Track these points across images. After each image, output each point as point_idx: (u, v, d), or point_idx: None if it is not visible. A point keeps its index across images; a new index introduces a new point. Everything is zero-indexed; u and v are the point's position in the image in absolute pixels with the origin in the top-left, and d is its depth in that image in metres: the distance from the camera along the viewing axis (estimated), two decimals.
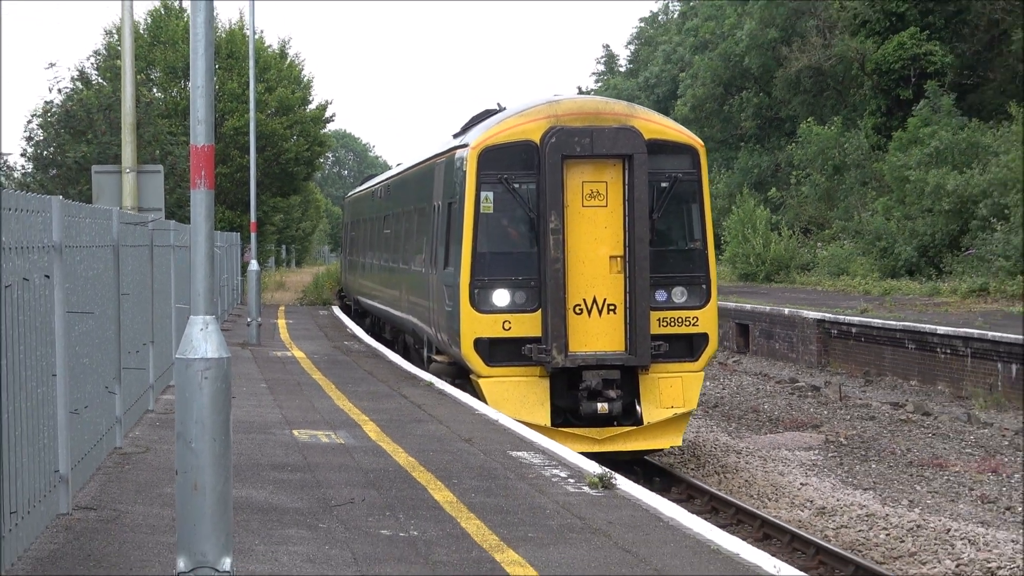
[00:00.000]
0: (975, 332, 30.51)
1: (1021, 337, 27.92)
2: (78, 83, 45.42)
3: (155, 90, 54.19)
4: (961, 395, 30.02)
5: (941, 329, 31.98)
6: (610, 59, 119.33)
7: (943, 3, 59.58)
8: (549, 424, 18.37)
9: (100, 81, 48.00)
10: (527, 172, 18.85)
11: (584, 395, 18.44)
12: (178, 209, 33.60)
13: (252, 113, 39.22)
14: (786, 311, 39.81)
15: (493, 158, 18.96)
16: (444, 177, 22.04)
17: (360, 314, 44.14)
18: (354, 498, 12.15)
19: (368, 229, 39.58)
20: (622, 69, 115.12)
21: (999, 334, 29.62)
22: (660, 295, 19.09)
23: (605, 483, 12.85)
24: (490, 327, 18.91)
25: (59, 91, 43.05)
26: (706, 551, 10.29)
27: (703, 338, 19.37)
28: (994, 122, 53.62)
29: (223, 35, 57.01)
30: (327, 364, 26.51)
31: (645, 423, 18.87)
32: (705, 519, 11.95)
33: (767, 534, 16.46)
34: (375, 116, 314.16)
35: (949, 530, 16.56)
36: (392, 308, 30.85)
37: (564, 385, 18.86)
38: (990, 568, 14.77)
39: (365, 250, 39.83)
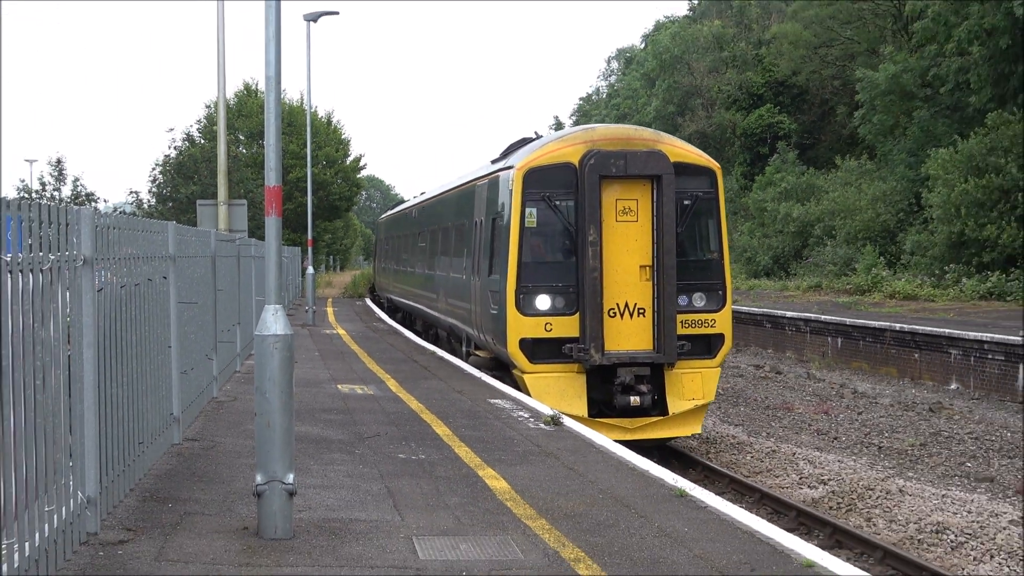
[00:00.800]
0: (812, 315, 30.72)
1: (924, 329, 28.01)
2: (187, 142, 45.59)
3: (241, 147, 54.12)
4: (803, 359, 30.20)
5: (789, 313, 32.19)
6: (558, 127, 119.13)
7: (789, 87, 59.87)
8: (587, 415, 15.16)
9: (202, 141, 48.09)
10: (566, 191, 15.53)
11: (618, 389, 15.19)
12: (257, 230, 33.51)
13: (309, 167, 39.49)
14: None
15: (536, 178, 15.61)
16: (487, 196, 18.12)
17: (392, 309, 39.21)
18: (379, 432, 12.14)
19: (403, 242, 34.51)
20: None
21: (829, 317, 29.87)
22: (682, 300, 15.81)
23: (555, 421, 12.87)
24: (533, 328, 15.47)
25: (174, 148, 43.51)
26: (625, 468, 10.33)
27: (720, 338, 16.00)
28: (825, 170, 53.94)
29: (287, 109, 56.93)
30: (361, 339, 26.45)
31: (671, 413, 15.61)
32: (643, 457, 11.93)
33: (665, 457, 16.49)
34: (394, 164, 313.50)
35: (795, 454, 16.62)
36: (427, 307, 26.48)
37: (598, 380, 15.46)
38: (822, 479, 14.83)
39: (400, 259, 34.66)
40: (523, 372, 15.65)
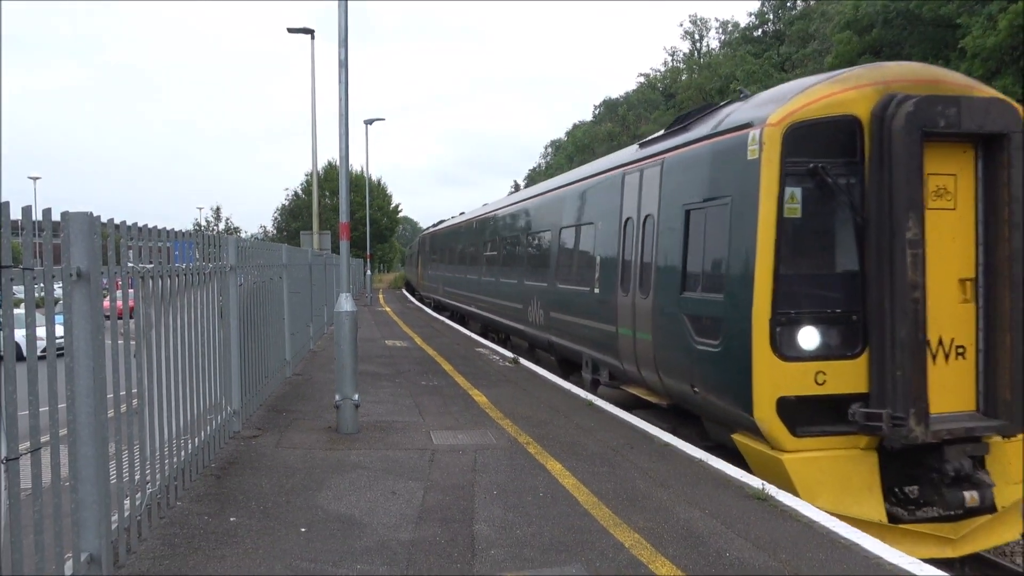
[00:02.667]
0: None
1: None
2: (295, 196, 45.25)
3: (326, 199, 53.63)
4: None
5: None
6: (516, 188, 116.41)
7: None
8: (886, 520, 5.53)
9: (303, 196, 47.73)
10: (845, 160, 5.61)
11: (946, 480, 5.59)
12: (335, 249, 33.26)
13: (367, 211, 39.45)
14: None
15: (799, 139, 5.55)
16: (671, 180, 7.41)
17: (438, 307, 27.21)
18: (410, 369, 12.02)
19: (459, 253, 21.68)
20: None
21: None
22: None
23: (515, 361, 12.78)
24: (798, 381, 5.58)
25: (287, 200, 43.17)
26: (557, 388, 10.27)
27: None
28: None
29: (353, 176, 56.44)
30: (399, 313, 26.12)
31: (999, 508, 5.73)
32: (567, 381, 11.84)
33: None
34: (417, 205, 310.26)
35: None
36: (501, 317, 15.35)
37: (887, 457, 5.72)
38: None
39: (456, 267, 21.99)
40: (781, 450, 5.85)
